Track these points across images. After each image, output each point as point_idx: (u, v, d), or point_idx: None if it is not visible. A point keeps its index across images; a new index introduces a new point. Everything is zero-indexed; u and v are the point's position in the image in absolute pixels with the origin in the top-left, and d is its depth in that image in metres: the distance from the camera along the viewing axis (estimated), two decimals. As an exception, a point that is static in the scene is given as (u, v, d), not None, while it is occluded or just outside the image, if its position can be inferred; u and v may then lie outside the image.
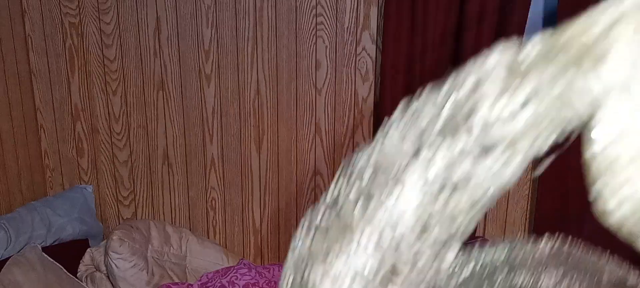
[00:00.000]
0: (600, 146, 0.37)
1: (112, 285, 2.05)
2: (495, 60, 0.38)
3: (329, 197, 0.43)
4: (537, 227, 2.06)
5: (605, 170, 0.37)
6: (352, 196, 0.42)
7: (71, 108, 2.28)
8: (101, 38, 2.16)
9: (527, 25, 1.85)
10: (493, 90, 0.37)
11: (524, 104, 0.37)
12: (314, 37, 2.02)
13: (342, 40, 2.01)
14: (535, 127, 0.39)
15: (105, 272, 2.07)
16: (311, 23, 2.01)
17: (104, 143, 2.30)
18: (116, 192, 2.36)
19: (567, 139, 0.40)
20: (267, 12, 2.03)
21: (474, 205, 0.42)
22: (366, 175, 0.42)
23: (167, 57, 2.14)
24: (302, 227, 0.44)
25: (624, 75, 0.36)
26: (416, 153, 0.40)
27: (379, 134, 0.42)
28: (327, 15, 2.00)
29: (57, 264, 1.99)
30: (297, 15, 2.01)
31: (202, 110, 2.19)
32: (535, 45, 0.39)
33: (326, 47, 2.03)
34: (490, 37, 1.83)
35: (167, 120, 2.22)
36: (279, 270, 2.03)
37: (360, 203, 0.41)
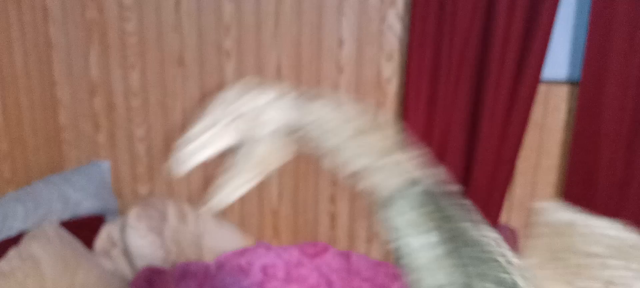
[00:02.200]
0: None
1: (128, 261, 2.03)
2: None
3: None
4: (570, 175, 1.98)
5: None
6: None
7: (89, 82, 2.25)
8: (121, 11, 2.12)
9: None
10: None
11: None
12: (339, 13, 1.96)
13: (368, 18, 1.95)
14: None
15: (121, 248, 2.06)
16: (336, -1, 1.96)
17: (121, 118, 2.27)
18: (133, 169, 2.34)
19: None
20: (291, -12, 1.97)
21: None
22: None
23: (187, 31, 2.09)
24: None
25: None
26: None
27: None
28: (351, -8, 1.94)
29: (74, 239, 1.97)
30: (322, -9, 1.95)
31: (221, 88, 2.14)
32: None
33: (351, 24, 1.97)
34: (521, 16, 1.76)
35: (186, 97, 2.19)
36: (297, 252, 2.00)
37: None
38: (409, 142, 0.96)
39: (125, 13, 2.12)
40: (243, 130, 0.82)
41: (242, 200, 2.29)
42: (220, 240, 2.17)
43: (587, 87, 1.81)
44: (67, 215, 2.11)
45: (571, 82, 1.95)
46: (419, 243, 0.85)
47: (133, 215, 2.03)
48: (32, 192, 2.03)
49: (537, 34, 1.77)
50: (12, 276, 1.68)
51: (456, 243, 0.80)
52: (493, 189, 2.03)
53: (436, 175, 0.93)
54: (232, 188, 0.88)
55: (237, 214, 2.32)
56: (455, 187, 0.88)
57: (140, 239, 1.99)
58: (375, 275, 2.00)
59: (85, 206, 2.20)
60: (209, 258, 2.11)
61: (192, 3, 2.06)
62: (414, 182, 0.88)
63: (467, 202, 0.87)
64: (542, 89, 1.90)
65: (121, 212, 2.35)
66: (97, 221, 2.21)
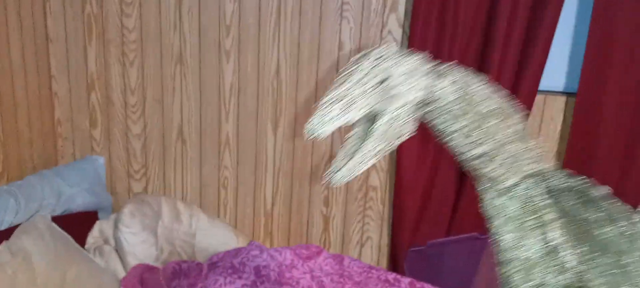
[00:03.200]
0: None
1: (120, 259, 2.02)
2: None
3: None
4: None
5: None
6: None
7: (87, 77, 2.24)
8: (121, 7, 2.11)
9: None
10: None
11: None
12: (339, 17, 1.97)
13: (368, 22, 1.96)
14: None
15: (113, 245, 2.04)
16: (337, 2, 1.96)
17: (118, 115, 2.26)
18: (128, 165, 2.33)
19: None
20: (292, -11, 1.98)
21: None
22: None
23: (187, 29, 2.09)
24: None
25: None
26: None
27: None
28: (353, -4, 1.95)
29: (66, 234, 1.96)
30: (323, -6, 1.96)
31: (220, 87, 2.14)
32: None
33: (351, 28, 1.97)
34: (521, 26, 1.78)
35: (184, 95, 2.18)
36: (290, 254, 2.00)
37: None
38: (531, 132, 0.96)
39: (126, 9, 2.11)
40: (376, 100, 0.80)
41: (237, 201, 2.29)
42: (213, 240, 2.16)
43: (583, 99, 1.83)
44: (59, 210, 2.10)
45: (568, 93, 1.96)
46: (517, 240, 0.85)
47: (126, 212, 2.02)
48: (24, 186, 2.01)
49: (536, 44, 1.78)
50: (1, 270, 1.67)
51: (569, 244, 0.81)
52: (487, 197, 2.03)
53: (556, 172, 0.92)
54: (359, 161, 0.85)
55: (230, 214, 2.31)
56: (588, 184, 0.93)
57: (133, 236, 1.98)
58: (368, 279, 2.00)
59: (79, 201, 2.18)
60: (201, 257, 2.10)
61: (193, 1, 2.05)
62: (528, 177, 0.87)
63: (598, 196, 0.86)
64: (538, 99, 1.91)
65: (115, 208, 2.33)
66: (90, 217, 2.19)
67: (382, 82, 0.80)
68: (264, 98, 2.12)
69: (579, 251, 0.81)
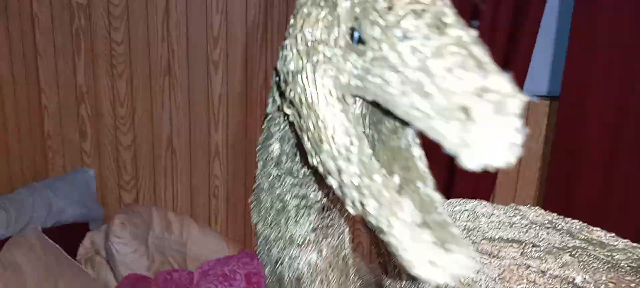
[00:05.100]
0: None
1: (112, 269, 2.03)
2: None
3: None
4: (549, 188, 1.99)
5: None
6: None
7: (76, 90, 2.25)
8: (109, 20, 2.13)
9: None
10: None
11: None
12: (325, 26, 2.00)
13: (353, 32, 1.99)
14: None
15: (104, 256, 2.05)
16: (322, 13, 1.99)
17: (107, 126, 2.27)
18: (118, 177, 2.34)
19: None
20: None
21: None
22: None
23: (175, 42, 2.11)
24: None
25: None
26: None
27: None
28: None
29: (57, 246, 1.97)
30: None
31: (208, 98, 2.17)
32: None
33: (336, 37, 2.00)
34: (503, 32, 1.81)
35: (173, 106, 2.20)
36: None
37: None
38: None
39: (114, 22, 2.13)
40: None
41: (227, 210, 2.30)
42: (204, 249, 2.17)
43: (566, 102, 1.86)
44: (50, 222, 2.11)
45: (552, 97, 2.00)
46: None
47: (117, 222, 2.03)
48: (15, 199, 2.02)
49: (518, 49, 1.81)
50: (-7, 283, 1.68)
51: None
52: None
53: None
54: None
55: (222, 223, 2.32)
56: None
57: (125, 247, 1.99)
58: (359, 285, 2.02)
59: (69, 213, 2.19)
60: (193, 266, 2.11)
61: (181, 14, 2.08)
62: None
63: None
64: (522, 104, 1.94)
65: (106, 219, 2.34)
66: (81, 228, 2.20)
67: None
68: (253, 108, 2.14)
69: None
